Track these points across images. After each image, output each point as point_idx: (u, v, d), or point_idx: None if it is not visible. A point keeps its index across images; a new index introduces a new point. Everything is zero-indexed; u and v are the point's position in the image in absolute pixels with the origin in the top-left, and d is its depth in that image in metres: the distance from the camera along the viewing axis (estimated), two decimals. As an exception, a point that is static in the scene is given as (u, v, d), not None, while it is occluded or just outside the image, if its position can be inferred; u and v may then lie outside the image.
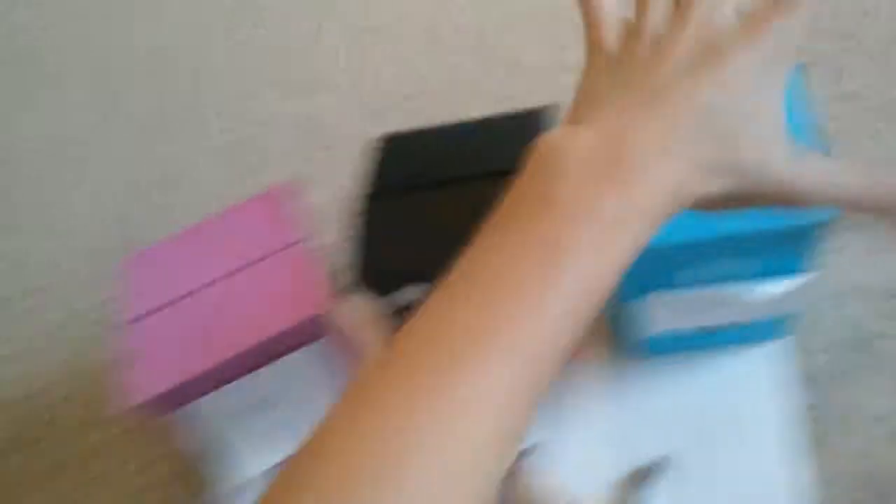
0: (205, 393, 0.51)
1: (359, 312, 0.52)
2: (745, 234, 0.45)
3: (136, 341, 0.52)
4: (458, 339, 0.31)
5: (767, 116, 0.33)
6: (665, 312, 0.51)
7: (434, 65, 0.84)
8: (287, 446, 0.57)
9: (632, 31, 0.36)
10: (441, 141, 0.54)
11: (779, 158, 0.33)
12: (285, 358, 0.52)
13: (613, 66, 0.35)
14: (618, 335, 0.57)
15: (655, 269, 0.48)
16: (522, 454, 0.49)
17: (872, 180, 0.34)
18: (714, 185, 0.33)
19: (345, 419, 0.30)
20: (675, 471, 0.52)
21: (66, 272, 0.80)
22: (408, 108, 0.81)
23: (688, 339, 0.55)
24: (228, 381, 0.51)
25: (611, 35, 0.36)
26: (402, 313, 0.53)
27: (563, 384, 0.58)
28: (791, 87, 0.44)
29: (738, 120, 0.33)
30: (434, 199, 0.52)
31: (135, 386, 0.50)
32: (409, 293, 0.51)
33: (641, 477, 0.52)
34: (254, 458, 0.58)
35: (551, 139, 0.34)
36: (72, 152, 0.93)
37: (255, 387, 0.52)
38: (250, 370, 0.52)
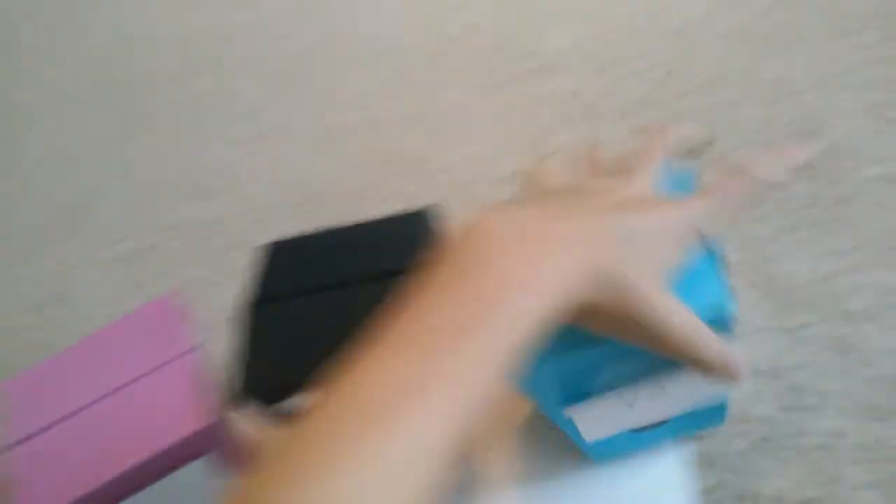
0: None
1: (248, 423, 0.51)
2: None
3: (21, 467, 0.50)
4: (379, 400, 0.32)
5: (666, 261, 0.40)
6: (589, 422, 0.51)
7: (326, 166, 0.85)
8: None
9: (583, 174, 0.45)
10: (325, 245, 0.55)
11: (659, 294, 0.39)
12: (174, 474, 0.50)
13: (560, 190, 0.44)
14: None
15: (562, 382, 0.48)
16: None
17: (725, 355, 0.40)
18: (599, 293, 0.38)
19: (269, 478, 0.31)
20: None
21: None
22: (303, 211, 0.81)
23: (627, 441, 0.55)
24: (118, 500, 0.49)
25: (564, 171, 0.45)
26: (286, 416, 0.52)
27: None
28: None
29: (645, 248, 0.39)
30: (317, 304, 0.51)
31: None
32: (293, 402, 0.50)
33: None
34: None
35: (498, 209, 0.39)
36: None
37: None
38: (140, 488, 0.50)
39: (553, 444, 0.58)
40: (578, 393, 0.49)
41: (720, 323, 0.45)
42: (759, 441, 0.54)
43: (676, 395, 0.50)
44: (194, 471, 0.51)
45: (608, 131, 0.76)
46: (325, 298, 0.51)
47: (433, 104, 0.87)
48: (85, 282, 0.83)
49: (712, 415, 0.53)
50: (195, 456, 0.50)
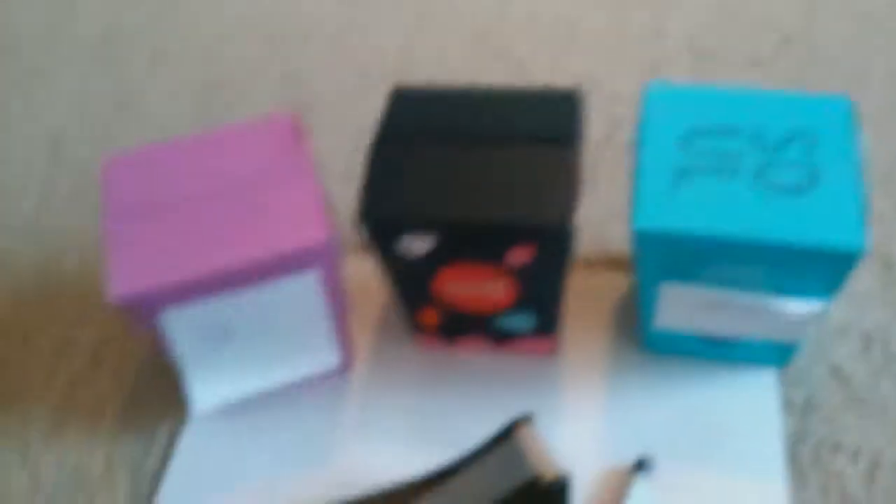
0: (186, 302, 0.49)
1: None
2: (782, 245, 0.46)
3: (122, 239, 0.50)
4: None
5: None
6: (676, 305, 0.52)
7: (425, 46, 0.84)
8: (248, 384, 0.56)
9: None
10: (459, 100, 0.54)
11: None
12: (276, 282, 0.50)
13: None
14: (636, 324, 0.58)
15: (680, 256, 0.48)
16: (520, 421, 0.49)
17: None
18: None
19: None
20: (656, 471, 0.53)
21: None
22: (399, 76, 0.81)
23: (689, 344, 0.56)
24: (212, 294, 0.49)
25: None
26: (399, 263, 0.52)
27: (558, 369, 0.58)
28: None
29: None
30: (445, 153, 0.51)
31: (119, 283, 0.47)
32: (405, 241, 0.50)
33: (632, 471, 0.53)
34: (211, 389, 0.55)
35: None
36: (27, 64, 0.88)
37: (236, 307, 0.50)
38: (242, 286, 0.49)
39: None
40: (685, 273, 0.49)
41: (847, 259, 0.45)
42: (848, 399, 0.55)
43: (768, 320, 0.50)
44: (296, 284, 0.50)
45: (721, 75, 0.76)
46: (449, 149, 0.51)
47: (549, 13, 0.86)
48: (161, 104, 0.81)
49: (778, 355, 0.54)
50: (301, 268, 0.50)
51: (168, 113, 0.80)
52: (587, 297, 0.62)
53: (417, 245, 0.51)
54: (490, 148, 0.51)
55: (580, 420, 0.55)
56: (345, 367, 0.59)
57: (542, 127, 0.52)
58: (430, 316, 0.57)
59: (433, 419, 0.56)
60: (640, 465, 0.52)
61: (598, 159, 0.70)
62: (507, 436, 0.47)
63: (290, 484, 0.54)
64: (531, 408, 0.56)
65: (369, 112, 0.77)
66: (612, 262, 0.63)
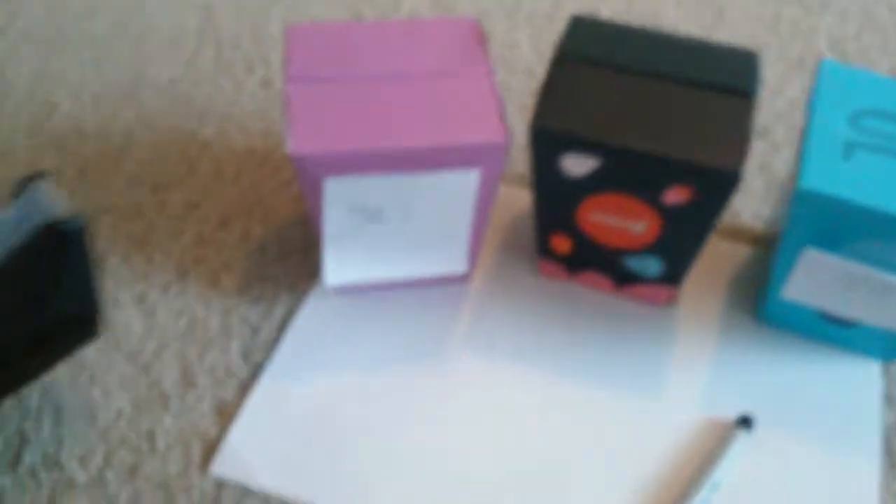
0: (352, 173, 0.50)
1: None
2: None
3: (304, 101, 0.51)
4: None
5: None
6: (811, 275, 0.53)
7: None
8: (377, 271, 0.57)
9: None
10: (639, 38, 0.55)
11: None
12: (435, 174, 0.51)
13: None
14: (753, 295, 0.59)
15: (835, 223, 0.49)
16: (36, 175, 0.46)
17: None
18: None
19: None
20: (755, 431, 0.54)
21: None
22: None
23: (806, 321, 0.57)
24: (378, 171, 0.50)
25: None
26: (555, 181, 0.53)
27: (672, 321, 0.59)
28: None
29: None
30: (622, 83, 0.52)
31: (297, 141, 0.49)
32: (569, 160, 0.52)
33: (735, 425, 0.54)
34: (344, 267, 0.57)
35: None
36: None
37: (394, 190, 0.52)
38: (401, 170, 0.51)
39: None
40: (833, 241, 0.50)
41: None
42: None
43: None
44: (457, 179, 0.52)
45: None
46: (628, 80, 0.52)
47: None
48: None
49: (888, 349, 0.56)
50: (468, 164, 0.51)
51: (317, 12, 0.81)
52: (708, 262, 0.63)
53: (579, 166, 0.52)
54: (668, 86, 0.52)
55: (688, 372, 0.56)
56: (465, 278, 0.60)
57: (720, 77, 0.53)
58: (561, 243, 0.58)
59: (540, 343, 0.58)
60: (744, 421, 0.53)
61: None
62: (22, 190, 0.45)
63: (393, 378, 0.56)
64: (640, 351, 0.57)
65: (515, 45, 0.78)
66: (738, 234, 0.64)
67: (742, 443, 0.52)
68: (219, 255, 0.62)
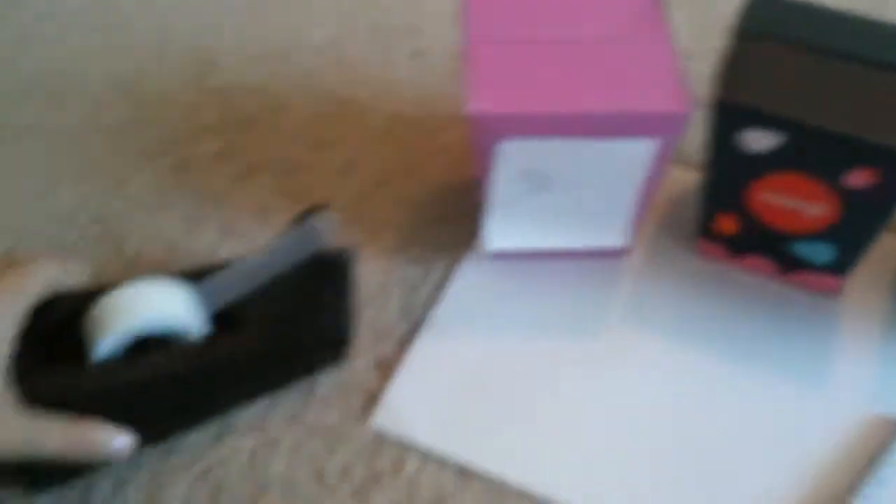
0: (528, 135, 0.50)
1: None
2: None
3: (484, 61, 0.51)
4: None
5: None
6: None
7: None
8: (538, 239, 0.57)
9: None
10: (825, 16, 0.53)
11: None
12: (610, 142, 0.51)
13: None
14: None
15: None
16: (315, 209, 0.52)
17: (69, 439, 0.43)
18: None
19: None
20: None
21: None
22: None
23: None
24: (555, 135, 0.50)
25: None
26: (731, 158, 0.52)
27: (837, 312, 0.58)
28: None
29: None
30: (810, 60, 0.51)
31: (477, 100, 0.49)
32: (750, 135, 0.50)
33: None
34: (507, 232, 0.57)
35: None
36: None
37: (566, 156, 0.51)
38: (577, 135, 0.50)
39: None
40: None
41: None
42: None
43: None
44: (631, 148, 0.51)
45: None
46: (816, 57, 0.51)
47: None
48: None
49: None
50: (645, 134, 0.50)
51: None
52: (877, 253, 0.60)
53: (760, 142, 0.51)
54: (855, 66, 0.50)
55: (852, 366, 0.55)
56: (623, 252, 0.59)
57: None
58: (728, 224, 0.57)
59: (697, 324, 0.57)
60: None
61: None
62: (301, 221, 0.51)
63: (547, 345, 0.56)
64: (802, 341, 0.56)
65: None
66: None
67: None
68: (378, 214, 0.63)
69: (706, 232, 0.58)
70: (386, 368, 0.54)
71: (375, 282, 0.58)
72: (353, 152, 0.67)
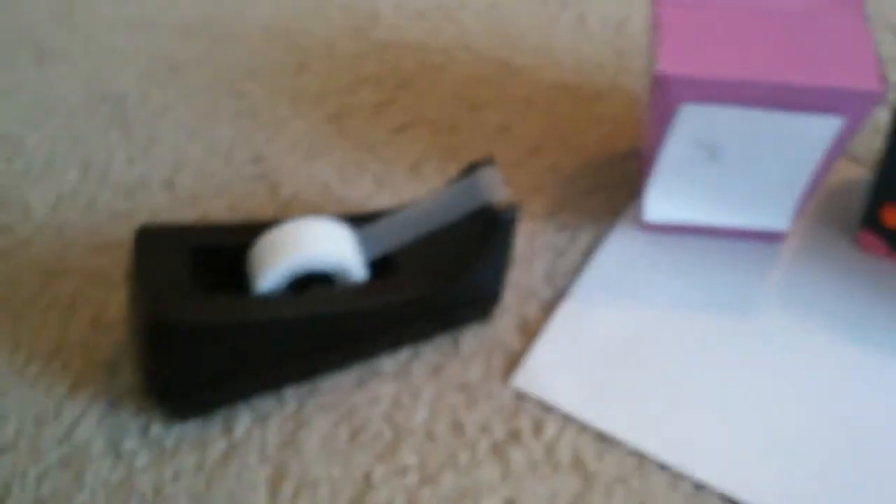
0: (713, 100, 0.48)
1: None
2: None
3: (676, 24, 0.50)
4: None
5: None
6: None
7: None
8: (699, 214, 0.56)
9: None
10: None
11: None
12: (793, 117, 0.49)
13: None
14: None
15: None
16: (482, 162, 0.50)
17: None
18: None
19: None
20: None
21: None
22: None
23: None
24: (740, 103, 0.48)
25: None
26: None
27: None
28: None
29: None
30: None
31: (667, 61, 0.48)
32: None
33: None
34: (667, 203, 0.56)
35: None
36: None
37: (745, 127, 0.50)
38: (762, 105, 0.49)
39: None
40: None
41: None
42: None
43: None
44: (814, 125, 0.49)
45: None
46: None
47: None
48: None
49: None
50: (833, 111, 0.48)
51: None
52: None
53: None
54: None
55: None
56: (780, 237, 0.57)
57: None
58: (895, 216, 0.54)
59: (854, 318, 0.54)
60: None
61: None
62: (467, 174, 0.49)
63: (695, 321, 0.54)
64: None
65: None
66: None
67: None
68: (529, 180, 0.62)
69: (870, 223, 0.56)
70: (529, 331, 0.54)
71: (522, 244, 0.58)
72: (508, 116, 0.66)
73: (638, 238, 0.58)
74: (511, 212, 0.49)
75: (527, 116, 0.66)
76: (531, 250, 0.58)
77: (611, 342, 0.53)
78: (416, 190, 0.62)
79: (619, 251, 0.58)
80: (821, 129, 0.49)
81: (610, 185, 0.62)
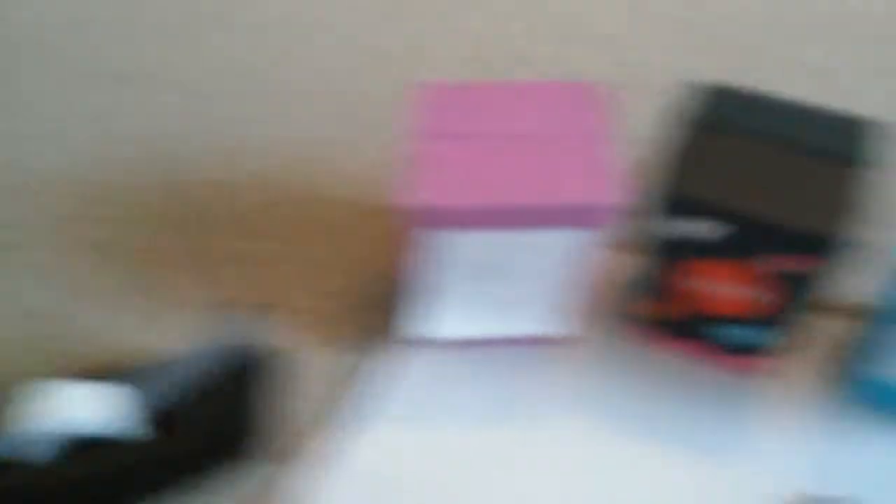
0: (468, 227, 0.51)
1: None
2: None
3: (430, 156, 0.52)
4: None
5: None
6: None
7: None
8: (476, 327, 0.57)
9: None
10: (771, 106, 0.55)
11: None
12: (544, 233, 0.52)
13: None
14: (844, 366, 0.58)
15: None
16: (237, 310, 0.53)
17: None
18: None
19: None
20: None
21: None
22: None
23: None
24: (492, 227, 0.51)
25: None
26: (670, 246, 0.53)
27: (761, 394, 0.59)
28: None
29: None
30: (752, 150, 0.52)
31: (421, 195, 0.50)
32: (690, 225, 0.51)
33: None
34: (443, 321, 0.57)
35: None
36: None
37: (502, 246, 0.52)
38: (513, 227, 0.51)
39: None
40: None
41: None
42: None
43: None
44: (564, 238, 0.52)
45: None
46: (758, 148, 0.52)
47: None
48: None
49: None
50: (577, 225, 0.51)
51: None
52: (805, 335, 0.62)
53: (694, 231, 0.52)
54: (792, 155, 0.52)
55: (776, 446, 0.56)
56: (567, 339, 0.60)
57: (848, 147, 0.52)
58: (661, 308, 0.58)
59: (635, 409, 0.57)
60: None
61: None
62: (229, 321, 0.52)
63: (478, 434, 0.56)
64: (730, 422, 0.56)
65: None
66: (836, 308, 0.63)
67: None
68: (309, 305, 0.63)
69: (644, 317, 0.59)
70: (311, 463, 0.53)
71: (303, 375, 0.58)
72: (289, 242, 0.67)
73: (432, 356, 0.59)
74: (272, 355, 0.50)
75: (309, 240, 0.67)
76: (312, 379, 0.58)
77: (397, 466, 0.54)
78: (195, 327, 0.61)
79: (412, 371, 0.58)
80: (569, 243, 0.52)
81: (391, 301, 0.63)
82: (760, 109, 0.55)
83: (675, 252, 0.53)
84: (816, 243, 0.49)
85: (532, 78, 0.82)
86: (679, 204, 0.51)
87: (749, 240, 0.50)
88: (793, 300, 0.52)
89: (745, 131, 0.54)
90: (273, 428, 0.52)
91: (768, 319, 0.54)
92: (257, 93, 0.80)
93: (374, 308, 0.62)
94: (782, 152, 0.52)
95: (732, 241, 0.51)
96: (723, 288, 0.54)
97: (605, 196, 0.50)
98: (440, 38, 0.87)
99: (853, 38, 0.88)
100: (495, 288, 0.55)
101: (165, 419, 0.49)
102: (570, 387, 0.58)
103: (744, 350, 0.57)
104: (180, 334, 0.60)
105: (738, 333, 0.56)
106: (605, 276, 0.65)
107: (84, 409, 0.46)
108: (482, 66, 0.83)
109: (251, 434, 0.51)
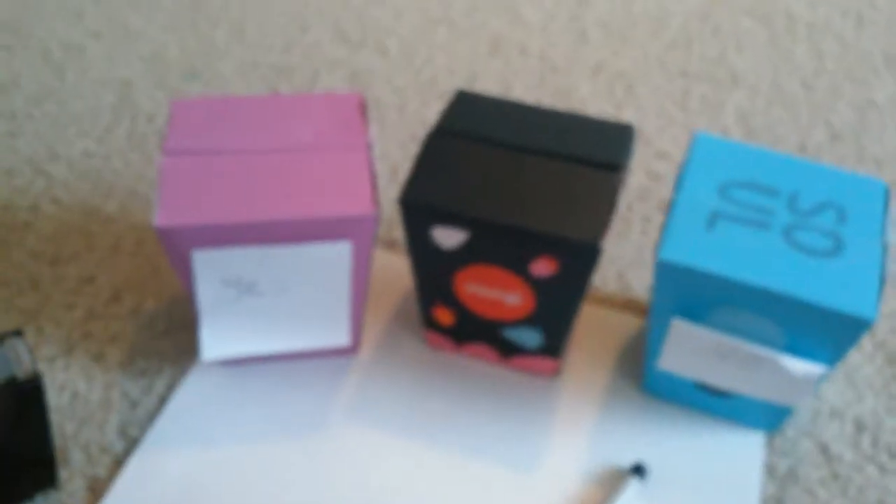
0: (220, 245, 0.50)
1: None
2: (795, 300, 0.47)
3: (176, 174, 0.52)
4: None
5: None
6: (683, 346, 0.53)
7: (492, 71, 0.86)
8: (257, 345, 0.57)
9: None
10: (517, 113, 0.56)
11: None
12: (306, 246, 0.52)
13: None
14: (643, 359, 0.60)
15: (697, 293, 0.50)
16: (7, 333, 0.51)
17: None
18: None
19: None
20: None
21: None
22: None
23: (687, 392, 0.57)
24: (247, 242, 0.51)
25: None
26: (428, 254, 0.54)
27: (556, 393, 0.59)
28: None
29: None
30: (493, 156, 0.53)
31: (163, 214, 0.50)
32: (437, 233, 0.52)
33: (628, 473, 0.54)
34: (222, 340, 0.57)
35: None
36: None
37: (265, 262, 0.52)
38: (271, 241, 0.51)
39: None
40: (698, 312, 0.50)
41: (856, 326, 0.46)
42: (830, 477, 0.55)
43: (767, 377, 0.51)
44: (328, 251, 0.52)
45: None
46: (500, 154, 0.53)
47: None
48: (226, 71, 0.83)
49: (769, 420, 0.55)
50: (338, 237, 0.51)
51: (235, 89, 0.83)
52: (599, 333, 0.63)
53: (449, 238, 0.52)
54: (539, 160, 0.53)
55: (570, 441, 0.56)
56: (351, 350, 0.60)
57: (591, 151, 0.54)
58: (444, 315, 0.58)
59: (426, 415, 0.57)
60: (637, 470, 0.53)
61: (633, 208, 0.72)
62: None
63: (270, 451, 0.55)
64: (525, 422, 0.57)
65: (426, 121, 0.80)
66: (629, 306, 0.65)
67: (635, 489, 0.52)
68: (107, 330, 0.62)
69: (429, 323, 0.59)
70: (98, 491, 0.53)
71: (95, 399, 0.57)
72: (91, 266, 0.66)
73: (215, 375, 0.59)
74: (34, 380, 0.49)
75: (111, 263, 0.66)
76: (106, 404, 0.57)
77: (183, 489, 0.53)
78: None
79: (195, 392, 0.58)
80: (334, 255, 0.52)
81: (192, 322, 0.62)
82: (502, 116, 0.56)
83: (444, 259, 0.54)
84: (569, 246, 0.50)
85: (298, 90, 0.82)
86: (413, 210, 0.51)
87: (505, 245, 0.51)
88: (561, 302, 0.53)
89: (485, 137, 0.54)
90: (48, 453, 0.51)
91: (543, 322, 0.55)
92: (43, 109, 0.79)
93: (176, 330, 0.62)
94: (523, 157, 0.53)
95: (490, 248, 0.52)
96: (496, 293, 0.55)
97: (364, 207, 0.51)
98: (222, 48, 0.87)
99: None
100: (268, 303, 0.55)
101: None
102: (360, 396, 0.58)
103: (531, 352, 0.58)
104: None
105: (521, 336, 0.57)
106: (401, 282, 0.65)
107: None
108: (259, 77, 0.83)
109: (31, 464, 0.50)
